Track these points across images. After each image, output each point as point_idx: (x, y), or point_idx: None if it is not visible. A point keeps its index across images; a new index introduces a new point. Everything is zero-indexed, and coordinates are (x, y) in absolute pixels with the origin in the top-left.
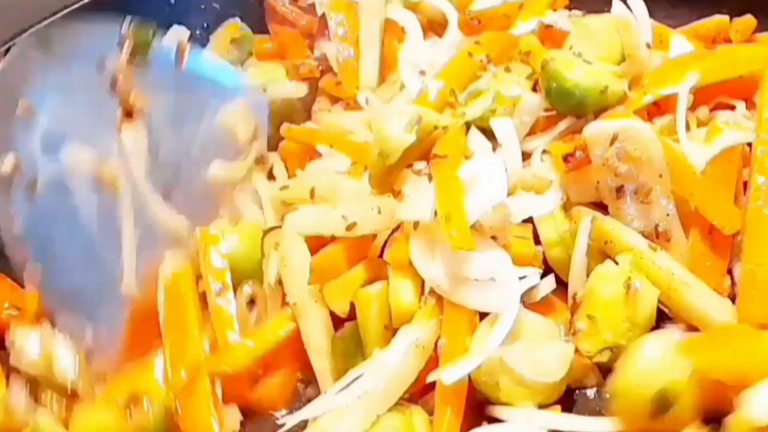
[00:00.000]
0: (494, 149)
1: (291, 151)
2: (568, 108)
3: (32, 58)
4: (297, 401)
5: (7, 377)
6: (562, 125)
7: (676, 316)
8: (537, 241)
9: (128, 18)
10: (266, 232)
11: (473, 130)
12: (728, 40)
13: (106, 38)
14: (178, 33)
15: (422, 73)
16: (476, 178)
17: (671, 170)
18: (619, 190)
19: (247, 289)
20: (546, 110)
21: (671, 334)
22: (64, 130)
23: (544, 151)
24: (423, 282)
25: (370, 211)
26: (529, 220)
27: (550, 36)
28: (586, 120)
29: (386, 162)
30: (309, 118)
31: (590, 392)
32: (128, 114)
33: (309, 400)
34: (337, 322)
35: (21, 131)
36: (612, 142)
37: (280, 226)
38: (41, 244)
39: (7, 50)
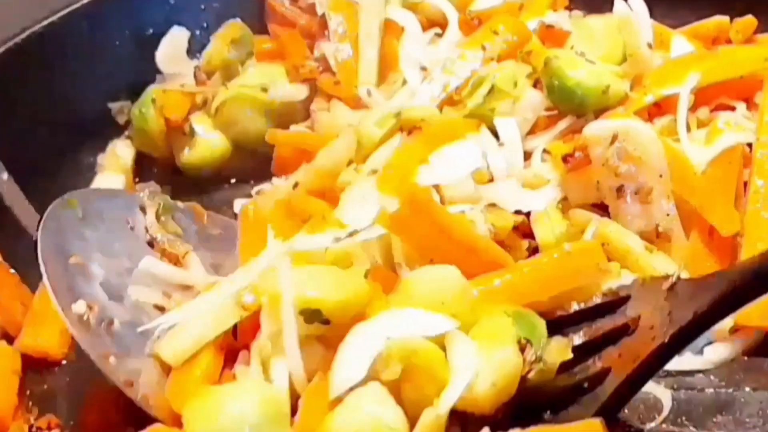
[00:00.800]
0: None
1: (284, 152)
2: (570, 107)
3: (64, 218)
4: None
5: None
6: (562, 124)
7: None
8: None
9: (144, 189)
10: None
11: (484, 130)
12: (728, 41)
13: (125, 204)
14: (178, 34)
15: (423, 69)
16: (447, 155)
17: (672, 170)
18: (620, 189)
19: None
20: (547, 109)
21: None
22: (120, 280)
23: (545, 151)
24: None
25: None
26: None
27: (551, 36)
28: (586, 119)
29: (363, 153)
30: (308, 117)
31: None
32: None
33: None
34: None
35: (81, 280)
36: (612, 142)
37: None
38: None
39: (6, 51)
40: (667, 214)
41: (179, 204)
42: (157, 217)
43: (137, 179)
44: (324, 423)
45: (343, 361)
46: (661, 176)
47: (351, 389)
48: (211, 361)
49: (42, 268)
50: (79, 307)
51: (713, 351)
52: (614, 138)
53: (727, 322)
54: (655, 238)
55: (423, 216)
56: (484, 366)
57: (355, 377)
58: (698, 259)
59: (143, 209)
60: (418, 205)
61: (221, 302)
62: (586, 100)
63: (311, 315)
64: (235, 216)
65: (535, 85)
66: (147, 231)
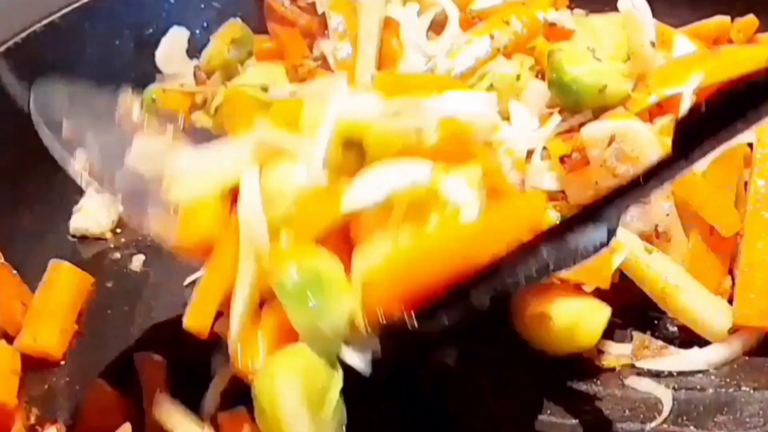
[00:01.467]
0: None
1: None
2: (567, 102)
3: (54, 100)
4: None
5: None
6: (556, 118)
7: (674, 316)
8: None
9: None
10: None
11: None
12: (730, 41)
13: (109, 98)
14: (178, 33)
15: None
16: None
17: None
18: None
19: None
20: (554, 105)
21: None
22: (116, 151)
23: (544, 148)
24: None
25: None
26: None
27: (555, 35)
28: (584, 116)
29: None
30: None
31: None
32: None
33: None
34: None
35: (77, 147)
36: (609, 143)
37: None
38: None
39: (6, 50)
40: (667, 215)
41: (159, 109)
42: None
43: None
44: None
45: (365, 181)
46: None
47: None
48: (218, 205)
49: (39, 129)
50: (79, 161)
51: (713, 351)
52: (612, 139)
53: (726, 323)
54: (655, 238)
55: None
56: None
57: (374, 198)
58: (698, 259)
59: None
60: None
61: (241, 148)
62: (581, 97)
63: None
64: None
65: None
66: (133, 123)
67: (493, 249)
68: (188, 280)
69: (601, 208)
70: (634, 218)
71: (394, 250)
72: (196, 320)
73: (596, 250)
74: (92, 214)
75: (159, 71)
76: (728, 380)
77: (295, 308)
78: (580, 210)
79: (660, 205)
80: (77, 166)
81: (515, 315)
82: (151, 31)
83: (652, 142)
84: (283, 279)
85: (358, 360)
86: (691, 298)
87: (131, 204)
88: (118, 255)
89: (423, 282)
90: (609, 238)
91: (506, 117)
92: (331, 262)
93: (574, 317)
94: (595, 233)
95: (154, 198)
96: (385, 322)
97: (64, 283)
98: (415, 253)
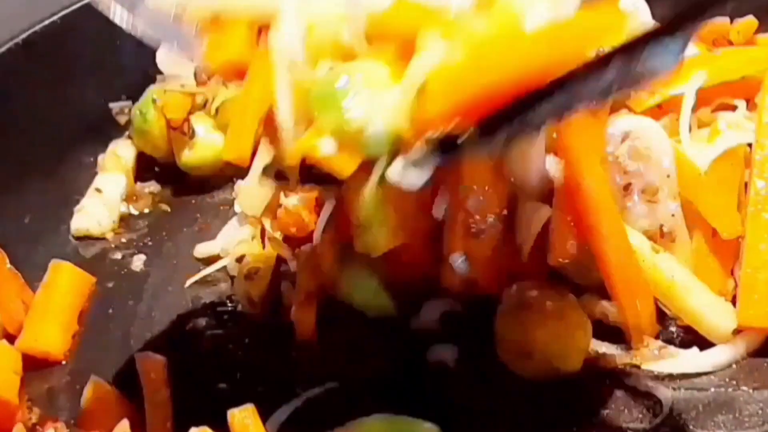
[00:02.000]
0: None
1: None
2: None
3: None
4: None
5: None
6: None
7: (677, 315)
8: None
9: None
10: None
11: None
12: (729, 42)
13: None
14: None
15: None
16: None
17: (677, 171)
18: (627, 188)
19: None
20: None
21: None
22: None
23: None
24: None
25: None
26: None
27: None
28: None
29: None
30: None
31: None
32: None
33: None
34: None
35: None
36: (623, 140)
37: None
38: None
39: (7, 51)
40: (672, 215)
41: None
42: None
43: (138, 179)
44: None
45: None
46: (668, 176)
47: None
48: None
49: None
50: None
51: (720, 353)
52: (626, 136)
53: (731, 325)
54: (660, 238)
55: None
56: None
57: None
58: (701, 260)
59: None
60: None
61: None
62: None
63: None
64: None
65: None
66: None
67: (563, 60)
68: (189, 281)
69: (680, 22)
70: (639, 217)
71: (457, 53)
72: (234, 149)
73: (666, 67)
74: (93, 214)
75: (160, 72)
76: (728, 380)
77: (323, 108)
78: (658, 26)
79: (667, 205)
80: None
81: (498, 346)
82: None
83: (665, 141)
84: (316, 77)
85: (405, 174)
86: (697, 299)
87: (156, 30)
88: (119, 255)
89: (483, 90)
90: (680, 54)
91: None
92: (373, 64)
93: (553, 350)
94: (671, 46)
95: (177, 24)
96: (436, 133)
97: (65, 283)
98: (479, 55)
